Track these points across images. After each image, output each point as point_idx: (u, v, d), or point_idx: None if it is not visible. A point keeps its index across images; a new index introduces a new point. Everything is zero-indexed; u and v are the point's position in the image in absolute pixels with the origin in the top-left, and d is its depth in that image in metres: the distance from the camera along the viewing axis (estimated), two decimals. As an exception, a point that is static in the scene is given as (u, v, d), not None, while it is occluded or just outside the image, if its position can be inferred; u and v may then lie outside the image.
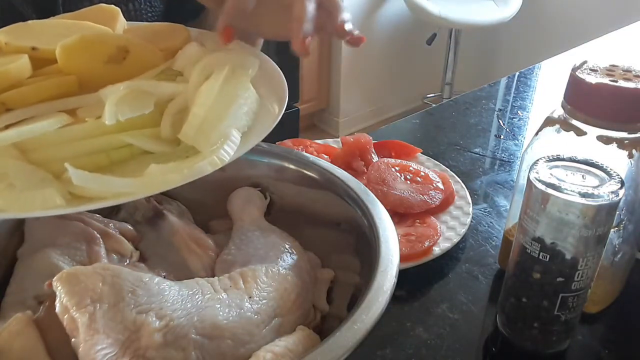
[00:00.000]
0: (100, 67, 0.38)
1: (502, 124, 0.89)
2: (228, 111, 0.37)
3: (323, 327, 0.41)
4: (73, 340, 0.32)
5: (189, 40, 0.44)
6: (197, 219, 0.49)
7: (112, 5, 0.46)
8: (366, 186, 0.44)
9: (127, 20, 0.46)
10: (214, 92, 0.37)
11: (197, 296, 0.36)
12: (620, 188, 0.37)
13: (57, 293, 0.32)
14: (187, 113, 0.36)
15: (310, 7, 0.42)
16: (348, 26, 0.45)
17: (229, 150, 0.35)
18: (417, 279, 0.54)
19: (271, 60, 0.45)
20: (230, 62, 0.40)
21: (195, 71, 0.39)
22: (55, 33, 0.40)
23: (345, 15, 0.45)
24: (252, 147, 0.36)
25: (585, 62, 0.45)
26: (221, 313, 0.35)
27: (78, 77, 0.38)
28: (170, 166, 0.33)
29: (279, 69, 0.44)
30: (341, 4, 0.45)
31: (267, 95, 0.41)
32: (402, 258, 0.43)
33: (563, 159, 0.40)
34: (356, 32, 0.46)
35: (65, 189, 0.32)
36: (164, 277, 0.39)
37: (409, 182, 0.63)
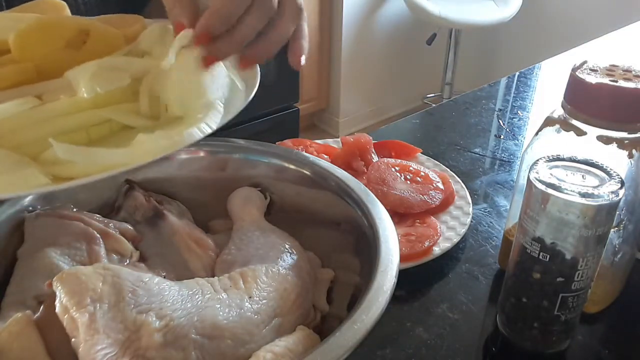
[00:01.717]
0: (59, 53, 0.36)
1: (502, 124, 0.89)
2: (205, 82, 0.36)
3: (323, 327, 0.41)
4: (73, 340, 0.32)
5: (145, 27, 0.41)
6: (197, 219, 0.49)
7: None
8: (366, 186, 0.44)
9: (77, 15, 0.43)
10: (189, 65, 0.36)
11: (197, 296, 0.36)
12: (620, 188, 0.37)
13: (57, 293, 0.32)
14: (164, 87, 0.35)
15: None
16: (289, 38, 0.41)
17: (214, 118, 0.34)
18: (417, 279, 0.54)
19: None
20: None
21: (170, 48, 0.37)
22: (2, 25, 0.37)
23: (288, 25, 0.41)
24: (233, 117, 0.36)
25: (585, 62, 0.45)
26: (221, 313, 0.35)
27: (34, 66, 0.36)
28: (158, 134, 0.31)
29: None
30: (300, 13, 0.41)
31: (240, 76, 0.40)
32: (402, 258, 0.43)
33: (563, 159, 0.40)
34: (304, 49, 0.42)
35: (45, 169, 0.30)
36: (164, 277, 0.39)
37: (409, 182, 0.63)
